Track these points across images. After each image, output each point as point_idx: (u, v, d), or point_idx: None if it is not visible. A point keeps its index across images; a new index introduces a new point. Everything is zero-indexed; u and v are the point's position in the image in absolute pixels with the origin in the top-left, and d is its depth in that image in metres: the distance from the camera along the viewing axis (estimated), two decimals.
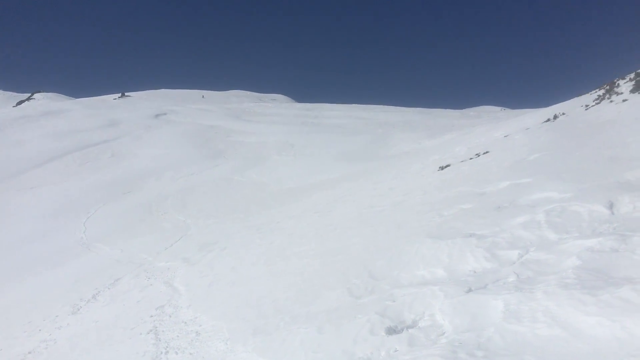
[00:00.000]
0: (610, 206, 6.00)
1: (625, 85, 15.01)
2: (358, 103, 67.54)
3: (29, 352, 8.48)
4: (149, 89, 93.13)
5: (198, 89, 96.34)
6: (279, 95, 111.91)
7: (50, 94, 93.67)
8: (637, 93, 13.79)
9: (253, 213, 16.62)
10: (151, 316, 8.36)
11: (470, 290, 4.97)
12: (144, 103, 66.16)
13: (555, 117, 16.08)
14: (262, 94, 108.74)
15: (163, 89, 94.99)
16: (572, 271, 4.56)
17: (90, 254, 14.76)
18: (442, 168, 14.18)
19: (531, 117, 18.95)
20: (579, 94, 18.78)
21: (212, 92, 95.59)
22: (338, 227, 10.61)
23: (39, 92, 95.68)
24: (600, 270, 4.44)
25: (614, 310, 3.69)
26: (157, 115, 50.51)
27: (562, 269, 4.74)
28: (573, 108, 16.35)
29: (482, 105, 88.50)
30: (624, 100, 13.65)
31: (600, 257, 4.69)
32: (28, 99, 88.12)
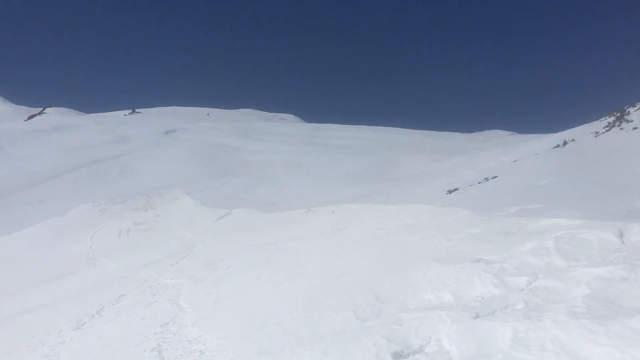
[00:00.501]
0: (620, 235, 5.95)
1: (635, 113, 14.98)
2: (366, 124, 67.75)
3: None
4: (159, 106, 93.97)
5: (208, 107, 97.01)
6: (288, 115, 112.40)
7: (61, 109, 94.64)
8: None
9: (259, 232, 16.59)
10: (155, 333, 8.31)
11: (477, 316, 4.92)
12: (153, 120, 66.83)
13: (565, 143, 16.06)
14: (271, 114, 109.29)
15: (173, 106, 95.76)
16: (581, 300, 4.51)
17: (96, 269, 14.77)
18: (450, 192, 14.14)
19: (540, 143, 18.92)
20: (589, 120, 18.73)
21: (221, 110, 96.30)
22: (345, 249, 10.57)
23: (51, 106, 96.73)
24: (610, 299, 4.39)
25: (624, 341, 3.64)
26: (166, 132, 50.96)
27: (572, 297, 4.69)
28: (583, 134, 16.32)
29: (490, 129, 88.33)
30: (634, 128, 13.62)
31: (610, 286, 4.64)
32: (40, 113, 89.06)
